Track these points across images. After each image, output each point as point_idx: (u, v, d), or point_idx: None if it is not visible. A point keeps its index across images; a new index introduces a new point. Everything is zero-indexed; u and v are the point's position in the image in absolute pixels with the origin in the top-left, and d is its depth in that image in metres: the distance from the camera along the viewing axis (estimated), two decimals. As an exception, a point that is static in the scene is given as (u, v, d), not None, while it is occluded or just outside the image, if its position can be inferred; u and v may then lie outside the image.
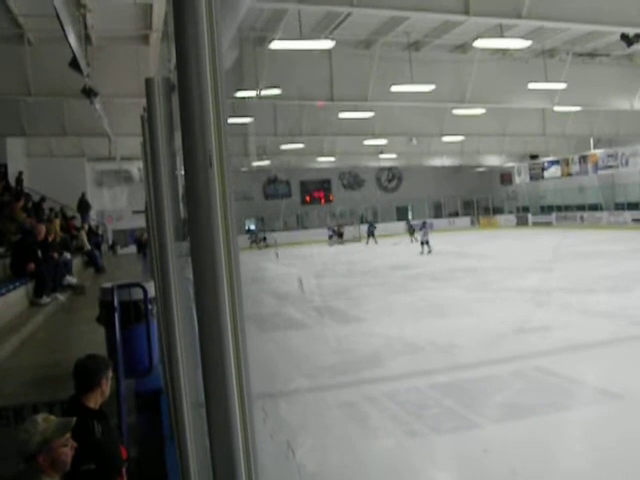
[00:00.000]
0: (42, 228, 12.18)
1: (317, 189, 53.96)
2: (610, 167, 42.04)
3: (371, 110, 26.10)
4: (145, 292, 6.06)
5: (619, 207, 42.44)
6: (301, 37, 16.94)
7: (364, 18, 18.02)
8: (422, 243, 31.36)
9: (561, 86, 22.95)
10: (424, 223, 32.80)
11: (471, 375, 8.88)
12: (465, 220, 53.29)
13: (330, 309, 15.56)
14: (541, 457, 6.00)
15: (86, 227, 22.36)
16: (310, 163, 45.14)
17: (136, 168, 33.49)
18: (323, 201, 53.63)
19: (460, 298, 16.02)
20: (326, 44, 17.97)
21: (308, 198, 53.65)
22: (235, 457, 1.01)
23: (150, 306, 6.04)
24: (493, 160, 49.84)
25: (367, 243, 41.62)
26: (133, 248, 28.93)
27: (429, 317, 13.61)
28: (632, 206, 41.30)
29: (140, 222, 22.70)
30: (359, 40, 20.68)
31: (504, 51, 21.66)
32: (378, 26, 19.49)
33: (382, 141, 35.55)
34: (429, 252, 30.24)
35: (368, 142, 35.39)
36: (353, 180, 54.33)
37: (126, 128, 19.91)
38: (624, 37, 16.64)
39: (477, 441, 6.58)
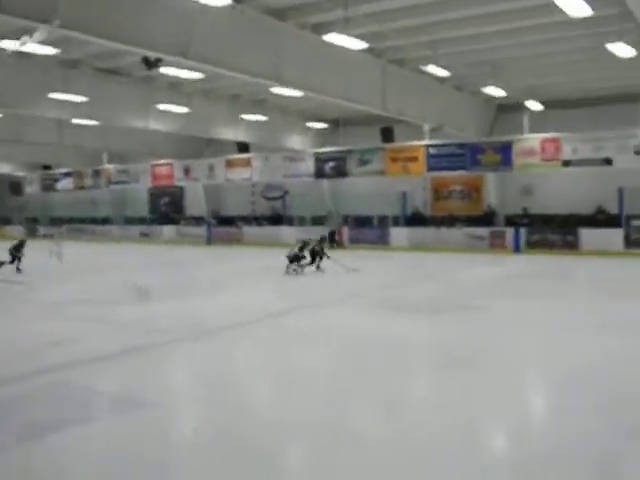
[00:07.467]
0: None
1: None
2: (122, 182, 43.69)
3: None
4: None
5: (129, 221, 44.31)
6: None
7: None
8: None
9: (81, 99, 23.10)
10: None
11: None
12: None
13: None
14: None
15: None
16: None
17: None
18: None
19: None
20: None
21: None
22: None
23: None
24: (3, 168, 47.81)
25: None
26: None
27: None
28: (140, 220, 43.61)
29: None
30: None
31: (30, 56, 20.54)
32: None
33: None
34: None
35: None
36: None
37: None
38: (145, 60, 17.45)
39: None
